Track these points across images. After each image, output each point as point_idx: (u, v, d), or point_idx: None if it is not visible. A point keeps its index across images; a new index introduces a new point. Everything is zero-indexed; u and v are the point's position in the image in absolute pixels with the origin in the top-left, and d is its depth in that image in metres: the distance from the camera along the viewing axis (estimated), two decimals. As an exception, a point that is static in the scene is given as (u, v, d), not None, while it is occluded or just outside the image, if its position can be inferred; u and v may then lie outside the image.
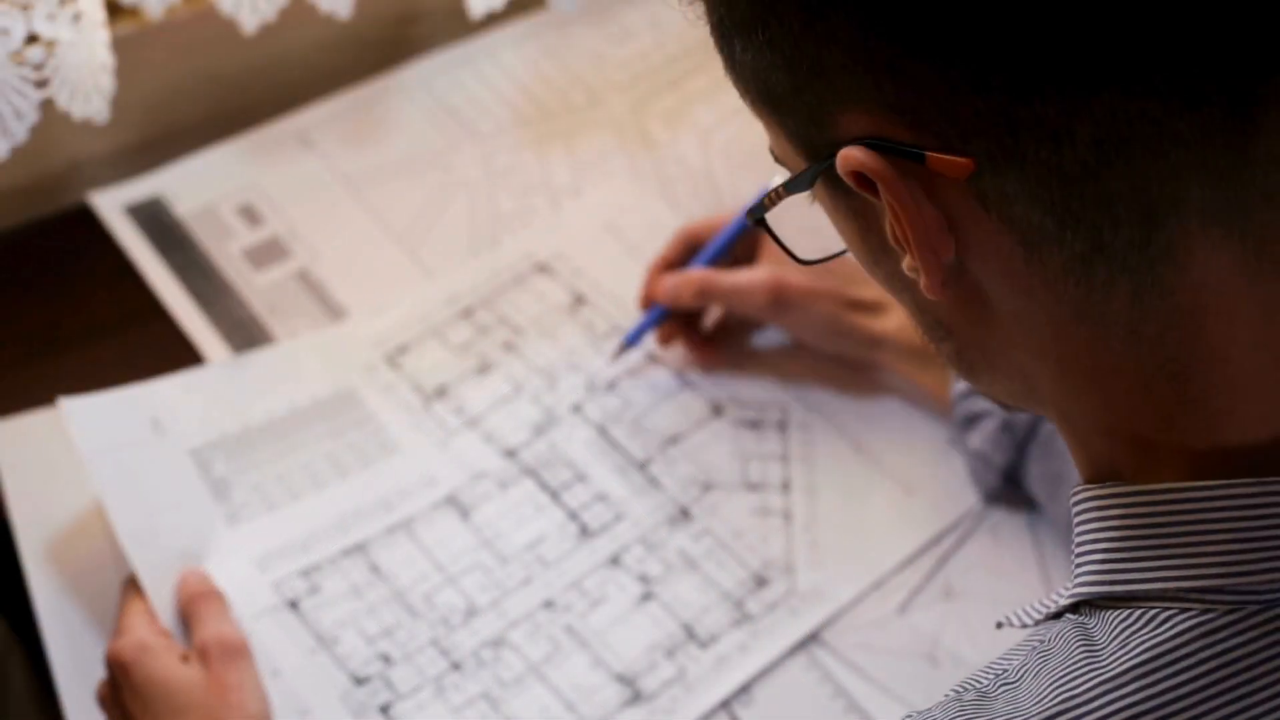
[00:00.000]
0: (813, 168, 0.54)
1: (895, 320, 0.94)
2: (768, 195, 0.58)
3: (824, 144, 0.53)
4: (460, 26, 1.22)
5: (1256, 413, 0.52)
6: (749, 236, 0.98)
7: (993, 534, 0.92)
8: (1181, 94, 0.47)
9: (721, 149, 1.16)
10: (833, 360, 0.98)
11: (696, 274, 0.96)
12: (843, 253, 0.60)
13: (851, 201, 0.54)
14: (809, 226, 0.62)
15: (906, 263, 0.53)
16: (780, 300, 0.94)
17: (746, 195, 1.12)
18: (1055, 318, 0.52)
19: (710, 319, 1.00)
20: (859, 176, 0.52)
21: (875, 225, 0.54)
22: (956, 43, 0.48)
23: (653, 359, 0.99)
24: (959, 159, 0.49)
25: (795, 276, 0.94)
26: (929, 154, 0.50)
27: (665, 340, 0.98)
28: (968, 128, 0.49)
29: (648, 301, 0.98)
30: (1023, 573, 0.90)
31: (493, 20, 1.18)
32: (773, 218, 0.60)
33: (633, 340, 0.97)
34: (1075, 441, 0.57)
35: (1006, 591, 0.89)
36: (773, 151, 0.58)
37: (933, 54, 0.48)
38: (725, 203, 1.11)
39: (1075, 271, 0.51)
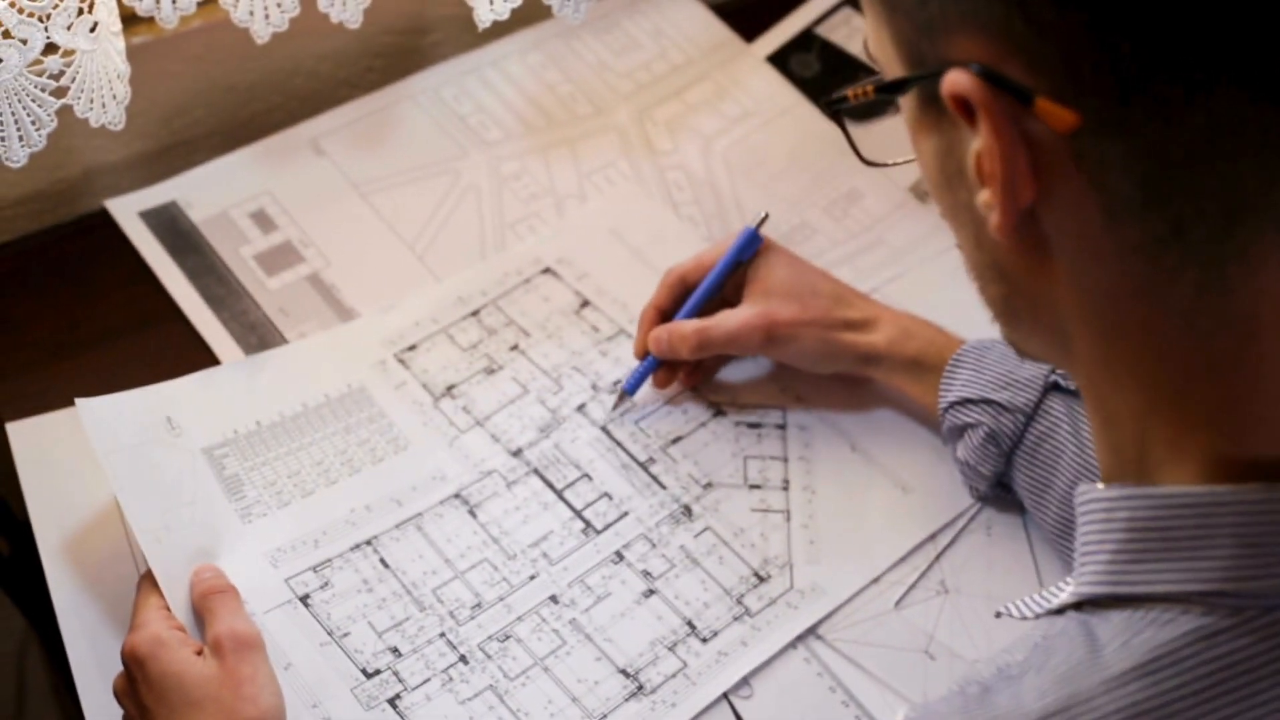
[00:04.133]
0: (914, 76, 0.53)
1: (885, 334, 0.95)
2: (854, 90, 0.57)
3: (933, 58, 0.52)
4: (468, 36, 1.24)
5: None
6: (734, 275, 0.99)
7: (987, 531, 0.94)
8: None
9: (722, 156, 1.17)
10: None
11: (690, 328, 0.96)
12: (911, 160, 0.58)
13: (941, 120, 0.53)
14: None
15: (983, 198, 0.52)
16: (773, 336, 0.95)
17: (748, 200, 1.14)
18: (1116, 290, 0.52)
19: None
20: (960, 101, 0.51)
21: (956, 151, 0.53)
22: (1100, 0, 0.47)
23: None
24: (1067, 112, 0.49)
25: (783, 310, 0.95)
26: (1039, 99, 0.49)
27: (663, 385, 0.99)
28: (1084, 84, 0.48)
29: (644, 352, 0.98)
30: (1017, 569, 0.92)
31: (500, 30, 1.20)
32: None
33: (632, 389, 0.99)
34: (1101, 419, 0.56)
35: (1001, 588, 0.91)
36: (867, 48, 0.57)
37: (1072, 2, 0.48)
38: (727, 208, 1.13)
39: (1148, 250, 0.50)
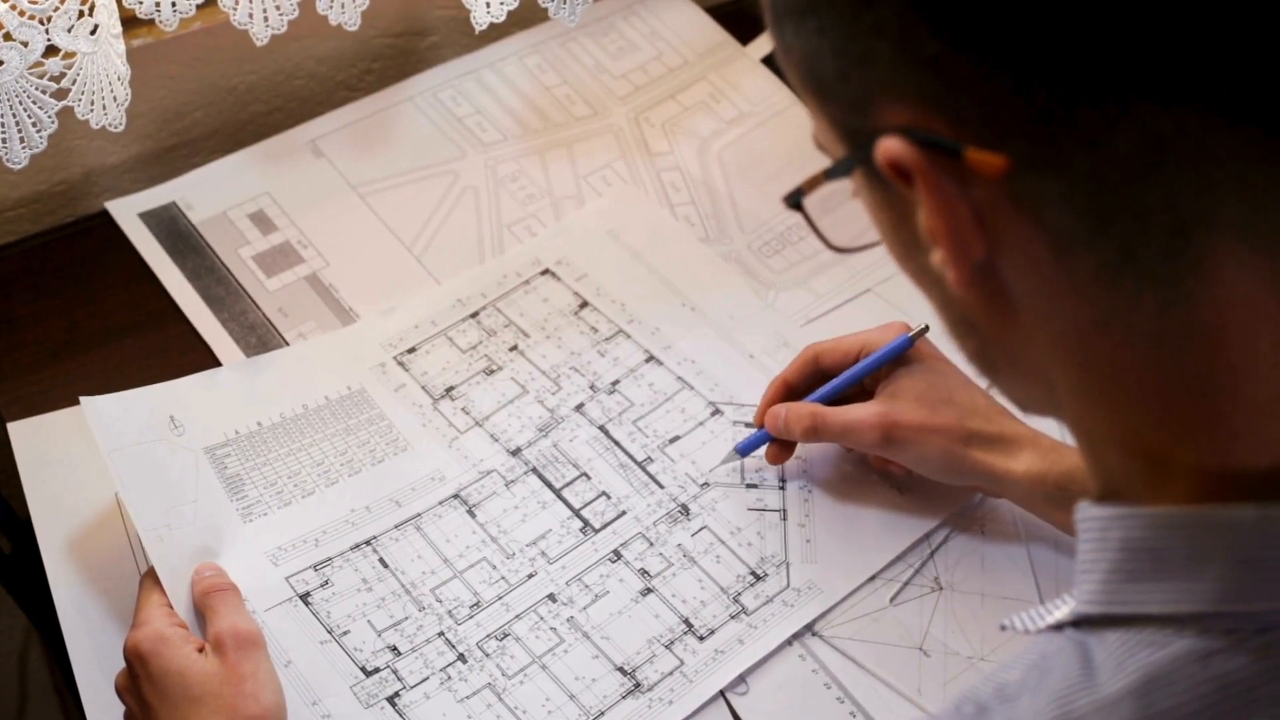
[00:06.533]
0: (851, 156, 0.55)
1: (1024, 461, 0.89)
2: (807, 181, 0.58)
3: (864, 133, 0.53)
4: (465, 39, 1.25)
5: (1275, 434, 0.52)
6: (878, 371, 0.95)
7: (981, 529, 0.95)
8: (1222, 111, 0.47)
9: (718, 157, 1.18)
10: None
11: (807, 409, 0.93)
12: (877, 243, 0.60)
13: (888, 193, 0.54)
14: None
15: (936, 257, 0.53)
16: (891, 438, 0.91)
17: (744, 201, 1.15)
18: (1081, 323, 0.52)
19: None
20: (895, 167, 0.51)
21: (909, 218, 0.54)
22: (1002, 43, 0.48)
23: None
24: (995, 157, 0.49)
25: (908, 413, 0.91)
26: (966, 150, 0.50)
27: (774, 460, 0.96)
28: (1006, 127, 0.49)
29: (762, 421, 0.96)
30: (1010, 567, 0.93)
31: (497, 33, 1.20)
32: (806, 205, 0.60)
33: (744, 451, 0.97)
34: (1090, 453, 0.57)
35: (994, 585, 0.92)
36: (816, 139, 0.58)
37: (978, 52, 0.48)
38: (723, 208, 1.14)
39: (1103, 278, 0.50)
